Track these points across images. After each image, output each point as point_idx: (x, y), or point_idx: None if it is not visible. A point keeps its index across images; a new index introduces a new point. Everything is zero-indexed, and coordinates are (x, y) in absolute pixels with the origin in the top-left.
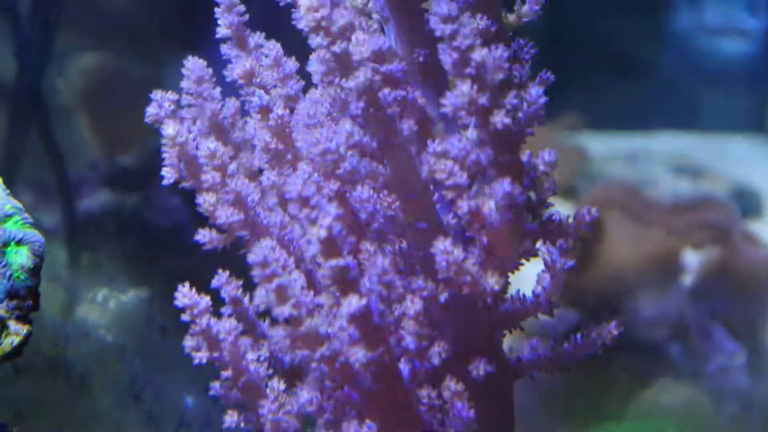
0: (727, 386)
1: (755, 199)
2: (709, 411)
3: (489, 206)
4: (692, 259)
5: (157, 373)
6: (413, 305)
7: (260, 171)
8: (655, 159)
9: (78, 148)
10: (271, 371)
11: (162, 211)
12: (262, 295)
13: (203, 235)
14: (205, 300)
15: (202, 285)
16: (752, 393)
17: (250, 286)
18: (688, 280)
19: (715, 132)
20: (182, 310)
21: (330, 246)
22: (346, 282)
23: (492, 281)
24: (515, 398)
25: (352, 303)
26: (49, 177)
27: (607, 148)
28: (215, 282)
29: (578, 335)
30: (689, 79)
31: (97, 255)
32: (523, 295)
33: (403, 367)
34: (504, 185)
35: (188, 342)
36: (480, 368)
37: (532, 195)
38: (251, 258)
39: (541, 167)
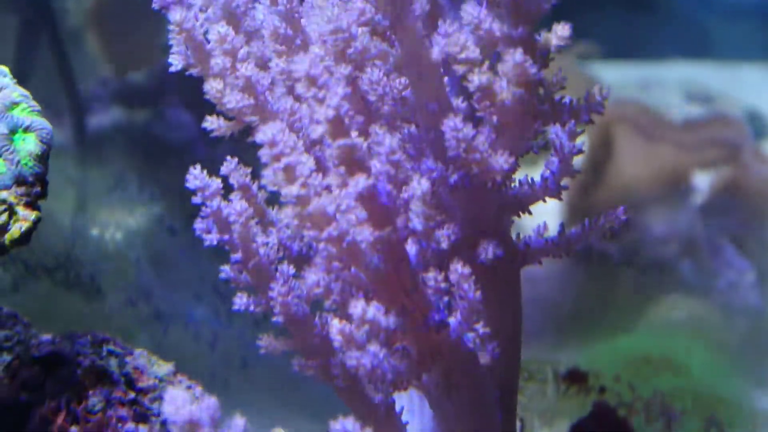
0: (737, 302)
1: (766, 124)
2: (719, 326)
3: (500, 83)
4: (703, 180)
5: (166, 274)
6: (420, 186)
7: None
8: (668, 86)
9: (88, 67)
10: (281, 255)
11: (172, 126)
12: (269, 176)
13: (211, 122)
14: (216, 182)
15: None
16: (762, 309)
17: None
18: (698, 198)
19: (728, 61)
20: (193, 192)
21: (337, 126)
22: (354, 162)
23: (502, 160)
24: (524, 311)
25: (360, 182)
26: (59, 95)
27: (619, 76)
28: (224, 169)
29: (585, 220)
30: (703, 9)
31: (108, 169)
32: (532, 179)
33: (411, 248)
34: (515, 55)
35: (199, 224)
36: (488, 251)
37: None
38: (259, 137)
39: (554, 41)
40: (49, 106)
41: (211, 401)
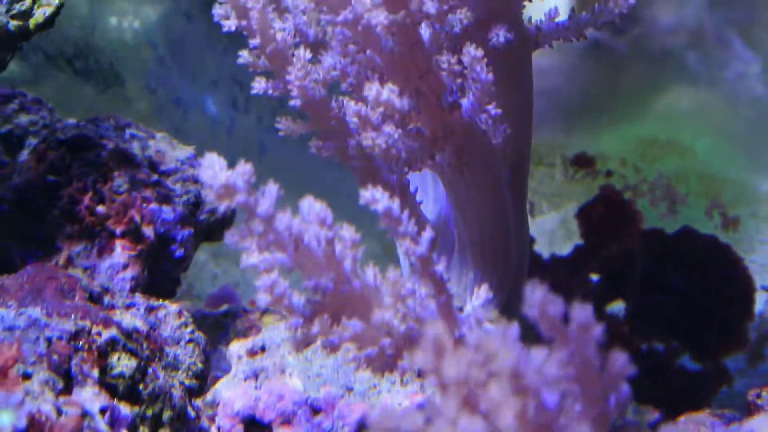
0: (743, 93)
1: None
2: (726, 116)
3: None
4: None
5: (184, 61)
6: None
7: None
8: None
9: None
10: (298, 40)
11: None
12: None
13: None
14: None
15: None
16: (767, 99)
17: None
18: None
19: None
20: None
21: None
22: None
23: None
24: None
25: None
26: None
27: None
28: None
29: (596, 5)
30: None
31: None
32: None
33: (424, 32)
34: None
35: (217, 10)
36: (500, 35)
37: None
38: None
39: None
40: None
41: (246, 167)
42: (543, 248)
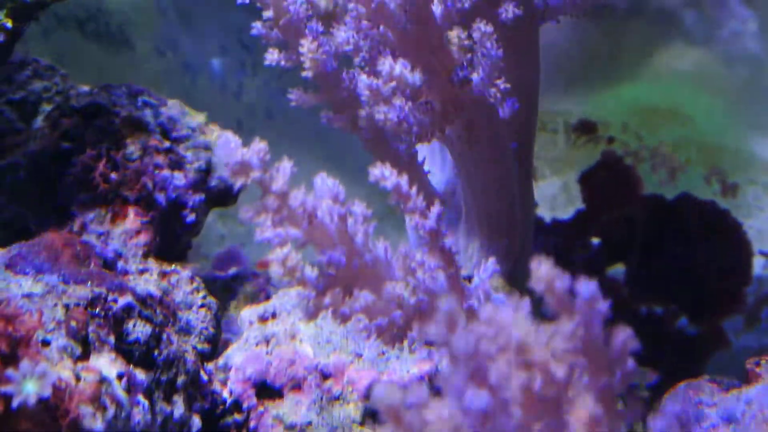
0: (738, 51)
1: None
2: (721, 74)
3: None
4: None
5: (192, 25)
6: None
7: None
8: None
9: None
10: (310, 12)
11: None
12: None
13: None
14: None
15: None
16: (763, 57)
17: None
18: None
19: None
20: None
21: None
22: None
23: None
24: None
25: None
26: None
27: None
28: None
29: None
30: None
31: None
32: None
33: (436, 8)
34: None
35: None
36: (509, 11)
37: None
38: None
39: None
40: None
41: (261, 145)
42: (545, 212)
